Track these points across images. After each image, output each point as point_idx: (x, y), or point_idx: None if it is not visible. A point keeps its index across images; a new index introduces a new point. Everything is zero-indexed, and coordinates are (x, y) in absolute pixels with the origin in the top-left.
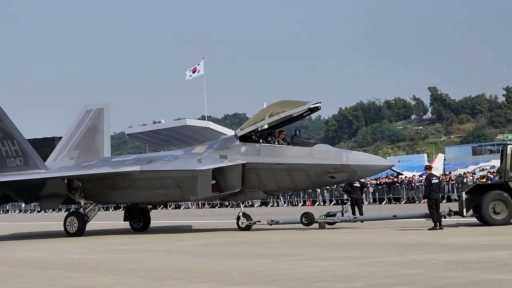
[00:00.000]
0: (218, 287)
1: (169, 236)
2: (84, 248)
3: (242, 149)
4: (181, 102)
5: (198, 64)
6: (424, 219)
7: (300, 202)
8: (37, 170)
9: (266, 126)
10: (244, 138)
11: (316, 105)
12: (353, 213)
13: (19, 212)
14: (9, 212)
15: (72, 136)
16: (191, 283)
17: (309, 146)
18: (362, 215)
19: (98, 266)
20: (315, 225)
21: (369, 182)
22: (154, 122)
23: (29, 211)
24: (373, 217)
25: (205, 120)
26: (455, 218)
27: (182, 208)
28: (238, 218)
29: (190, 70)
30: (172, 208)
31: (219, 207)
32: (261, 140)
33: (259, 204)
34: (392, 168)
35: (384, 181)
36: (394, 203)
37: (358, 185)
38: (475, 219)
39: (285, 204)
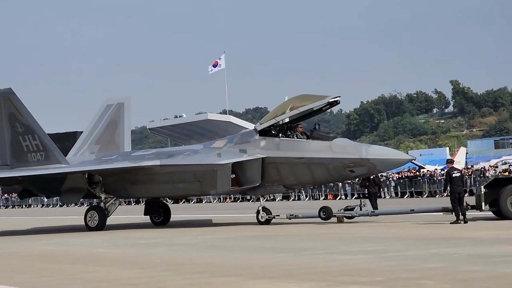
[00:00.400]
0: (240, 281)
1: (191, 230)
2: (107, 242)
3: (262, 143)
4: (202, 96)
5: (220, 58)
6: (441, 213)
7: (321, 196)
8: (58, 164)
9: (285, 120)
10: (264, 132)
11: (336, 99)
12: (374, 207)
13: (42, 206)
14: (32, 206)
15: (92, 130)
16: (213, 276)
17: (328, 140)
18: (377, 209)
19: (120, 260)
20: (334, 219)
21: (391, 176)
22: (176, 117)
23: (51, 205)
24: (390, 211)
25: (227, 114)
26: (472, 212)
27: (204, 202)
28: (258, 212)
29: (212, 64)
30: (193, 202)
31: (240, 201)
32: (280, 134)
33: (281, 198)
34: (414, 161)
35: (406, 175)
36: (416, 197)
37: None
38: (492, 213)
39: (307, 198)
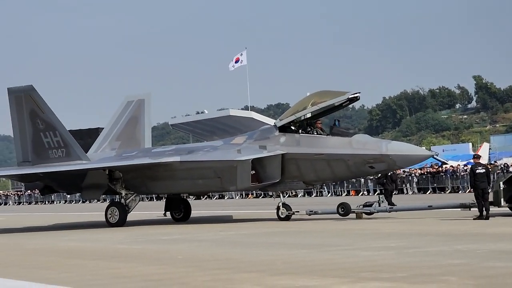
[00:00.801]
0: (262, 277)
1: (213, 226)
2: (129, 238)
3: (282, 139)
4: (224, 92)
5: (241, 54)
6: (459, 209)
7: (344, 192)
8: (79, 161)
9: (305, 117)
10: (284, 129)
11: (356, 95)
12: (390, 203)
13: (64, 202)
14: (55, 202)
15: (113, 127)
16: (235, 273)
17: (348, 136)
18: (393, 205)
19: (142, 256)
20: (352, 215)
21: (413, 172)
22: (198, 113)
23: (73, 201)
24: (408, 207)
25: (248, 110)
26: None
27: (226, 198)
28: (278, 208)
29: (233, 60)
30: (215, 198)
31: (262, 197)
32: (300, 131)
33: (303, 194)
34: (437, 157)
35: (428, 170)
36: (439, 193)
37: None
38: (509, 210)
39: (329, 194)
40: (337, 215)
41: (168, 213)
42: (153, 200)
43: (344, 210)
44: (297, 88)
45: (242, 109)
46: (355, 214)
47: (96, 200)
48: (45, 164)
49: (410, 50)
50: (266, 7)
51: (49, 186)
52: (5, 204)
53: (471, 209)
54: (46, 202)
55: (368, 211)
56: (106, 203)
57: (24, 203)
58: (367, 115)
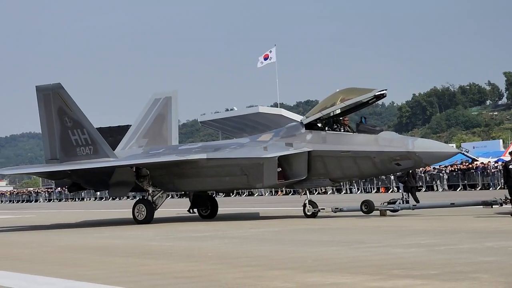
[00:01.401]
0: (292, 274)
1: (244, 223)
2: (159, 235)
3: (308, 136)
4: (253, 90)
5: (270, 51)
6: (481, 207)
7: (373, 189)
8: (106, 158)
9: (331, 114)
10: (310, 126)
11: (382, 92)
12: (417, 200)
13: (94, 200)
14: (85, 199)
15: (141, 124)
16: (265, 270)
17: (374, 134)
18: (418, 202)
19: (172, 253)
20: (376, 213)
21: (443, 169)
22: (227, 110)
23: (103, 198)
24: (431, 204)
25: (278, 107)
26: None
27: (255, 195)
28: (305, 205)
29: (262, 57)
30: (245, 195)
31: (292, 194)
32: (326, 128)
33: (332, 192)
34: (467, 154)
35: (458, 167)
36: (469, 190)
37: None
38: None
39: (359, 191)
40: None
41: (195, 210)
42: (173, 197)
43: (367, 207)
44: (326, 85)
45: (271, 106)
46: (379, 211)
47: (126, 197)
48: (73, 162)
49: (440, 47)
50: (296, 4)
51: (77, 183)
52: (36, 201)
53: (493, 206)
54: (76, 199)
55: (392, 208)
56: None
57: (55, 200)
58: (396, 111)
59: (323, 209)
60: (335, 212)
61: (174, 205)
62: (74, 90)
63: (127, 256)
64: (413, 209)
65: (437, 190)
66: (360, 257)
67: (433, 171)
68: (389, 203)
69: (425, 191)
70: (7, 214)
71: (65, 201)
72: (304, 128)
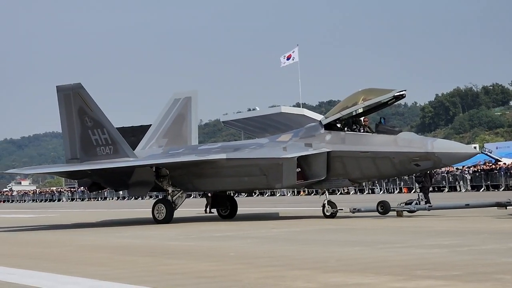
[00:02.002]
0: (315, 274)
1: (266, 223)
2: (181, 234)
3: (327, 137)
4: (275, 89)
5: (293, 51)
6: (496, 208)
7: (396, 189)
8: (126, 158)
9: (350, 115)
10: (329, 126)
11: (401, 92)
12: (428, 201)
13: (117, 199)
14: (107, 199)
15: (160, 124)
16: (287, 270)
17: (394, 134)
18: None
19: (194, 253)
20: (393, 213)
21: (466, 170)
22: (249, 110)
23: (126, 198)
24: (446, 205)
25: (300, 107)
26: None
27: (277, 195)
28: (324, 206)
29: (285, 57)
30: (267, 195)
31: (314, 194)
32: (346, 128)
33: (355, 192)
34: (490, 154)
35: (481, 168)
36: (493, 190)
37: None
38: None
39: (381, 191)
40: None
41: (213, 210)
42: (196, 197)
43: (383, 208)
44: (349, 85)
45: (293, 106)
46: (395, 212)
47: (148, 197)
48: (93, 161)
49: (464, 47)
50: (319, 4)
51: (97, 183)
52: (59, 200)
53: (507, 207)
54: (99, 199)
55: (408, 209)
56: None
57: (77, 200)
58: (419, 112)
59: (342, 209)
60: (353, 212)
61: (194, 205)
62: (95, 90)
63: (149, 255)
64: (429, 210)
65: (460, 190)
66: (383, 258)
67: (456, 171)
68: (406, 204)
69: (448, 191)
70: (30, 213)
71: (88, 200)
72: (323, 128)
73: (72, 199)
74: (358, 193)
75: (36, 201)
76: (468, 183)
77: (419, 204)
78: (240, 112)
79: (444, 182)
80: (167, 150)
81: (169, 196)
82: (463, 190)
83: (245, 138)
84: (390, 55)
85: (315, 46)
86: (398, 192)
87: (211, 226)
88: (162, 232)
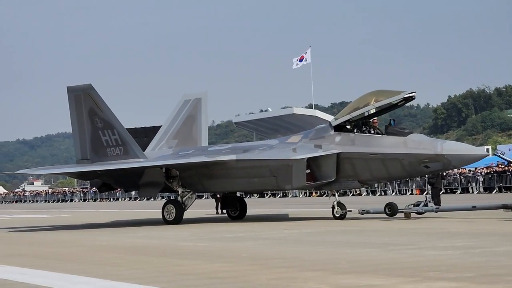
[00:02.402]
0: (326, 276)
1: (277, 224)
2: (194, 235)
3: (337, 138)
4: (288, 91)
5: (306, 53)
6: (502, 210)
7: (408, 191)
8: (136, 159)
9: (360, 116)
10: (339, 128)
11: (411, 94)
12: (438, 203)
13: (129, 200)
14: (119, 199)
15: (171, 125)
16: (299, 271)
17: (403, 136)
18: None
19: (206, 254)
20: (401, 215)
21: (479, 171)
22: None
23: (138, 199)
24: (453, 207)
25: (312, 108)
26: None
27: (289, 196)
28: (333, 207)
29: (297, 58)
30: (279, 197)
31: (326, 195)
32: (355, 130)
33: (367, 193)
34: (503, 156)
35: (494, 169)
36: (505, 192)
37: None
38: None
39: (393, 193)
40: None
41: (223, 211)
42: (208, 198)
43: (391, 210)
44: (361, 86)
45: (306, 107)
46: (404, 213)
47: (160, 197)
48: (103, 162)
49: (476, 48)
50: (331, 5)
51: (107, 184)
52: (71, 200)
53: None
54: (111, 199)
55: (415, 211)
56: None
57: (89, 200)
58: (432, 113)
59: (350, 211)
60: (362, 214)
61: (204, 206)
62: (106, 91)
63: (162, 256)
64: (436, 212)
65: (472, 192)
66: (395, 259)
67: (469, 173)
68: (414, 205)
69: (460, 193)
70: (43, 214)
71: (100, 201)
72: (333, 130)
73: (84, 200)
74: (371, 195)
75: (48, 202)
76: (481, 185)
77: (427, 206)
78: (252, 113)
79: (456, 183)
80: (177, 151)
81: (179, 197)
82: (476, 192)
83: (257, 139)
84: (402, 57)
85: (328, 47)
86: (410, 194)
87: (223, 227)
88: (175, 233)
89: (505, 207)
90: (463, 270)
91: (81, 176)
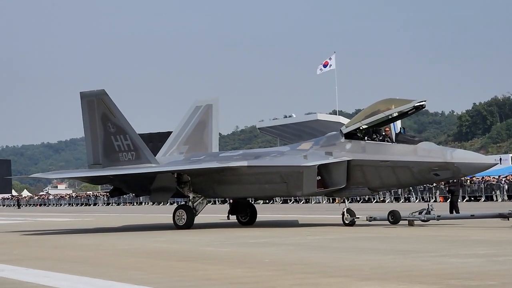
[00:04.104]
0: (348, 282)
1: (300, 230)
2: (216, 240)
3: (347, 146)
4: (312, 97)
5: (330, 59)
6: (499, 219)
7: (432, 198)
8: (148, 164)
9: (370, 124)
10: (349, 135)
11: (422, 103)
12: (456, 211)
13: (152, 204)
14: (143, 203)
15: (182, 131)
16: (321, 277)
17: (413, 144)
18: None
19: (229, 259)
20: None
21: (503, 179)
22: (285, 116)
23: (161, 203)
24: (453, 216)
25: (336, 114)
26: None
27: (301, 202)
28: (343, 214)
29: (321, 64)
30: (292, 203)
31: (328, 201)
32: (366, 137)
33: (391, 200)
34: None
35: None
36: None
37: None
38: None
39: (416, 200)
40: (403, 221)
41: (233, 216)
42: (217, 203)
43: (393, 218)
44: (385, 93)
45: (330, 113)
46: (407, 221)
47: (182, 202)
48: (115, 167)
49: (501, 56)
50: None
51: (118, 188)
52: (95, 204)
53: (510, 219)
54: (134, 203)
55: (418, 218)
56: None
57: (113, 204)
58: (456, 120)
59: (358, 218)
60: (370, 221)
61: (216, 211)
62: (116, 97)
63: (185, 261)
64: (438, 220)
65: (497, 200)
66: (417, 266)
67: (493, 181)
68: (419, 213)
69: (484, 201)
70: (66, 217)
71: (123, 205)
72: (343, 137)
73: (108, 204)
74: (394, 202)
75: (72, 205)
76: (505, 192)
77: (429, 213)
78: (276, 118)
79: (480, 191)
80: (188, 156)
81: (190, 202)
82: (500, 200)
83: (281, 145)
84: (427, 63)
85: (352, 53)
86: (434, 201)
87: (246, 232)
88: (198, 238)
89: (502, 216)
90: (486, 278)
91: (92, 180)
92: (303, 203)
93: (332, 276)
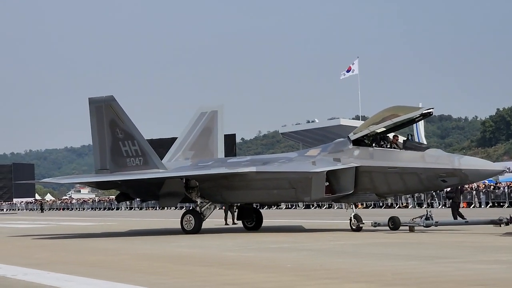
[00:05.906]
0: None
1: (323, 234)
2: (238, 245)
3: (355, 152)
4: (335, 102)
5: (353, 64)
6: (492, 225)
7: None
8: (156, 169)
9: (378, 131)
10: (357, 142)
11: (429, 110)
12: (462, 216)
13: (174, 209)
14: (165, 208)
15: (187, 137)
16: (344, 283)
17: (421, 151)
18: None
19: (251, 264)
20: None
21: None
22: (308, 122)
23: (183, 208)
24: (449, 222)
25: (359, 119)
26: None
27: (312, 208)
28: (351, 219)
29: (345, 69)
30: (303, 208)
31: (330, 207)
32: (374, 144)
33: (414, 206)
34: None
35: None
36: None
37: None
38: None
39: (440, 206)
40: (418, 227)
41: (238, 222)
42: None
43: (393, 224)
44: (408, 98)
45: (353, 118)
46: (408, 227)
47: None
48: (123, 172)
49: None
50: (378, 16)
51: (125, 193)
52: (117, 209)
53: (502, 225)
54: (157, 208)
55: (416, 224)
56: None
57: (135, 208)
58: (480, 126)
59: (363, 223)
60: (375, 226)
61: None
62: (125, 103)
63: (206, 265)
64: (436, 226)
65: (509, 206)
66: (440, 272)
67: (505, 188)
68: (420, 218)
69: (507, 207)
70: (89, 222)
71: (146, 209)
72: (351, 144)
73: (131, 208)
74: (417, 207)
75: (95, 209)
76: None
77: (428, 219)
78: (299, 124)
79: (504, 197)
80: (196, 162)
81: (198, 207)
82: (506, 205)
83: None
84: (450, 69)
85: (376, 58)
86: (425, 207)
87: (267, 238)
88: (219, 243)
89: (494, 222)
90: (509, 285)
91: (99, 185)
92: (304, 208)
93: (353, 282)
